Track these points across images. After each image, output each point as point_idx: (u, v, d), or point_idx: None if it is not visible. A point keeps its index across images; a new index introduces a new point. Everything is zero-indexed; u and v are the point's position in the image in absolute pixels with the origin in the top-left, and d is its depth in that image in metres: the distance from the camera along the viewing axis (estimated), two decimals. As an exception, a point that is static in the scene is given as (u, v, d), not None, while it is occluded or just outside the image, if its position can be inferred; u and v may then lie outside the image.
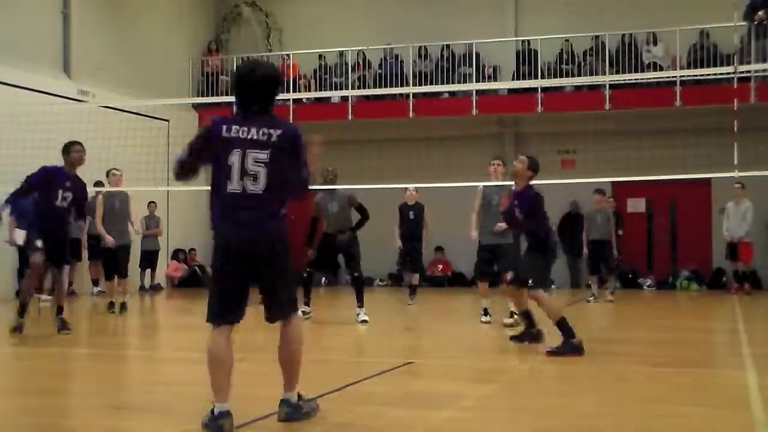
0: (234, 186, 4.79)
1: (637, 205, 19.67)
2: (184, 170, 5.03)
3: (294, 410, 5.06)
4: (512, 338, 8.95)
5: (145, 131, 16.71)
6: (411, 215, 14.47)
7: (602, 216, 14.88)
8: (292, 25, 21.62)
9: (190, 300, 16.59)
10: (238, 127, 4.83)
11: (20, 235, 14.52)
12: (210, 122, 4.94)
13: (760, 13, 16.95)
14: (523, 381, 6.88)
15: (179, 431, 4.98)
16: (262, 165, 4.78)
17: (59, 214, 9.60)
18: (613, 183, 18.07)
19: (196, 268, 19.58)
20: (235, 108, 4.96)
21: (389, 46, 19.77)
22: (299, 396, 5.11)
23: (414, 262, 14.54)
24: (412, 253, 14.46)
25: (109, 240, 12.14)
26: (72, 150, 9.71)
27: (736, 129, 11.37)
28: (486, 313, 10.85)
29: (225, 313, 4.86)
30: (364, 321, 10.79)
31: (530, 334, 8.89)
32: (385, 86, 18.92)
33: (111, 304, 12.16)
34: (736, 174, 11.65)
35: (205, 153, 4.92)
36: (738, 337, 9.63)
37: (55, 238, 9.54)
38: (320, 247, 11.37)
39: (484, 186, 10.95)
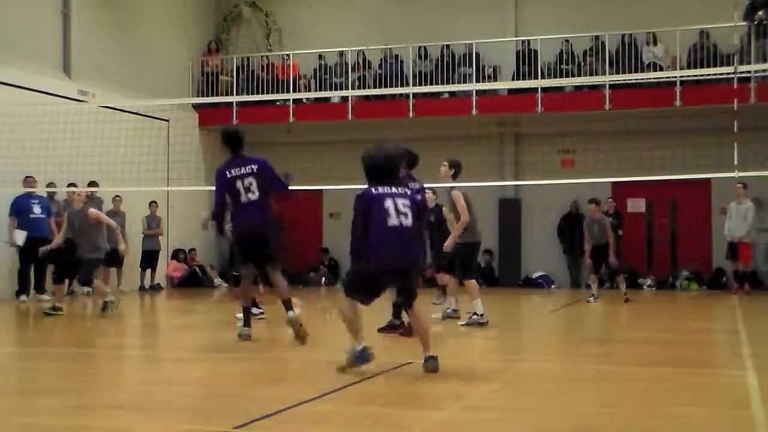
0: (393, 221, 6.68)
1: (637, 205, 19.67)
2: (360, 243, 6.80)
3: (436, 363, 6.69)
4: (379, 330, 9.37)
5: (145, 131, 16.73)
6: (431, 218, 14.56)
7: (598, 225, 14.96)
8: (292, 25, 21.63)
9: (190, 300, 16.59)
10: (385, 188, 6.79)
11: (20, 236, 14.53)
12: (366, 199, 6.73)
13: (760, 13, 16.96)
14: (523, 381, 6.87)
15: (179, 431, 4.98)
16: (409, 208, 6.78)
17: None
18: (613, 183, 18.08)
19: (196, 268, 19.59)
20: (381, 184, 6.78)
21: (389, 47, 19.77)
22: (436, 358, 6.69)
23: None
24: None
25: (55, 243, 12.31)
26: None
27: (736, 129, 11.38)
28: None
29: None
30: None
31: (393, 325, 9.37)
32: (385, 86, 18.92)
33: (55, 308, 11.81)
34: (735, 174, 11.66)
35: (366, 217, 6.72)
36: (738, 337, 9.63)
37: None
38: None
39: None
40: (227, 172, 8.83)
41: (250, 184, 8.76)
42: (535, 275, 19.77)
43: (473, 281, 10.58)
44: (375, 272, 6.72)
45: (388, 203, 6.65)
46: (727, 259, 17.42)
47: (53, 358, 8.16)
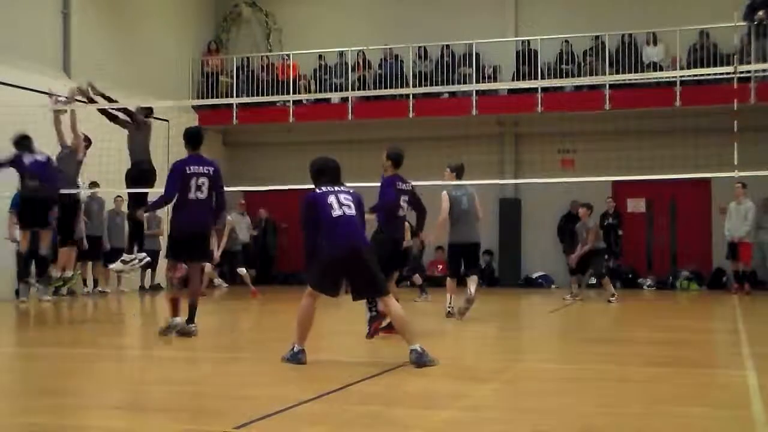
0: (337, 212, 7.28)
1: (637, 205, 19.67)
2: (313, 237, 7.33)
3: (419, 356, 6.94)
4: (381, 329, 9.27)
5: (144, 131, 16.69)
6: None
7: (584, 229, 15.17)
8: (292, 25, 21.63)
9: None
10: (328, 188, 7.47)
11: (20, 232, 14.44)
12: (311, 199, 7.36)
13: (760, 13, 16.98)
14: (523, 381, 6.87)
15: (179, 431, 4.98)
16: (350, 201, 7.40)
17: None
18: (614, 183, 18.08)
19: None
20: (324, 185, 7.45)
21: (389, 47, 19.77)
22: (422, 348, 6.97)
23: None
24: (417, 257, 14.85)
25: None
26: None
27: (735, 129, 11.38)
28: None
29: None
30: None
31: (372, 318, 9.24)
32: (385, 87, 18.93)
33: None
34: (735, 174, 11.65)
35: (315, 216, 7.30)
36: (738, 337, 9.63)
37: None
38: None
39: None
40: (186, 168, 9.19)
41: (203, 183, 9.18)
42: (535, 275, 19.77)
43: (448, 279, 11.92)
44: (331, 259, 7.23)
45: (331, 199, 7.33)
46: (728, 259, 17.41)
47: (53, 358, 8.16)
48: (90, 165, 14.82)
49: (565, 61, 18.93)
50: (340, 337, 10.12)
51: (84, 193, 14.93)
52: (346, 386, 6.14)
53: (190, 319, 9.30)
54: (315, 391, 5.88)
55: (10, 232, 14.62)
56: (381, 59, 19.91)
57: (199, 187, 9.15)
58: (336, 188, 7.48)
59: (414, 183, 9.95)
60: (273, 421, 5.03)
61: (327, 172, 7.61)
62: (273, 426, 4.98)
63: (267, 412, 5.17)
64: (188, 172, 9.15)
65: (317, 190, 7.45)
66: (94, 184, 15.06)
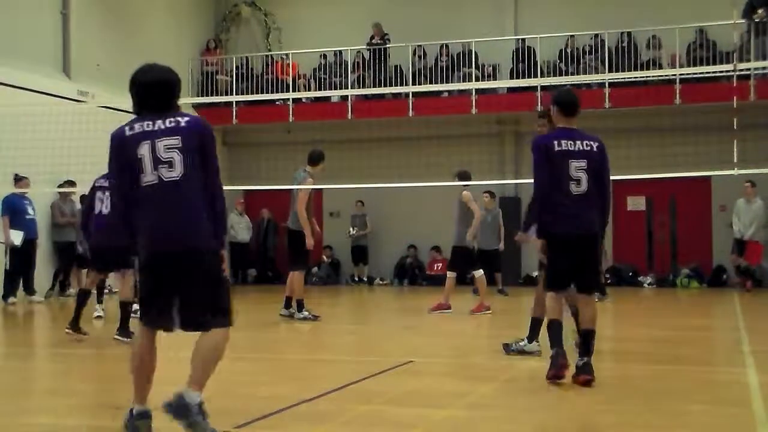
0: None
1: (637, 203, 19.66)
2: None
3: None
4: None
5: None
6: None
7: None
8: (292, 24, 21.61)
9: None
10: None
11: (17, 236, 14.36)
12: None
13: (760, 11, 16.97)
14: (524, 379, 6.87)
15: (179, 431, 4.97)
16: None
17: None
18: (613, 181, 17.99)
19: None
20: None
21: (388, 46, 19.77)
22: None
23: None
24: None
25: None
26: None
27: (735, 127, 11.38)
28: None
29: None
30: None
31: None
32: (385, 86, 18.92)
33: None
34: (735, 172, 11.66)
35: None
36: (738, 335, 9.63)
37: None
38: None
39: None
40: (95, 182, 9.61)
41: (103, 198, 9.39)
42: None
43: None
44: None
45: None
46: (733, 254, 17.19)
47: (52, 359, 8.16)
48: (91, 164, 14.82)
49: (564, 60, 18.91)
50: (339, 337, 10.12)
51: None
52: (346, 386, 6.14)
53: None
54: (315, 391, 5.88)
55: (5, 236, 14.48)
56: (380, 59, 19.90)
57: (101, 200, 9.30)
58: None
59: (415, 183, 9.98)
60: (273, 421, 5.04)
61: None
62: (273, 426, 4.98)
63: (267, 412, 5.17)
64: (96, 185, 9.41)
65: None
66: (70, 183, 14.94)
